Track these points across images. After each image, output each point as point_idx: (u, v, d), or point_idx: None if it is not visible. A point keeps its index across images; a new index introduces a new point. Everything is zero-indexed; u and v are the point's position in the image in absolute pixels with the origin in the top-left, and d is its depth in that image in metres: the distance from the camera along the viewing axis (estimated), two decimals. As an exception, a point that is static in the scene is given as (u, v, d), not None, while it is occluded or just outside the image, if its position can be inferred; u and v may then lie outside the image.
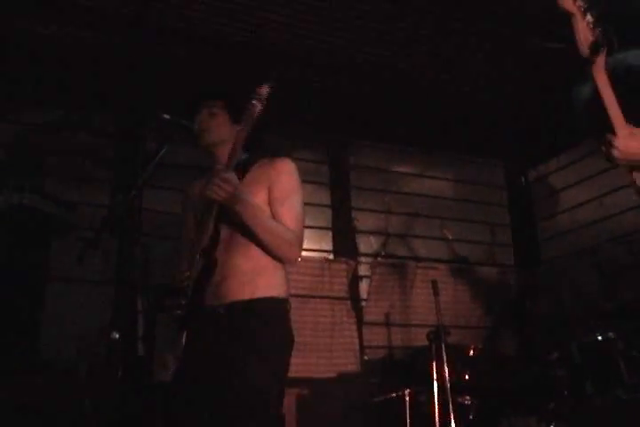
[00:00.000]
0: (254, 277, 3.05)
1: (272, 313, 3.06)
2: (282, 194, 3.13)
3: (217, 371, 2.93)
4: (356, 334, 6.19)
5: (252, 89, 3.06)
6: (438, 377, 4.79)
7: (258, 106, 3.01)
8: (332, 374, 5.98)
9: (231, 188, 2.88)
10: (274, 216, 3.10)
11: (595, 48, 2.71)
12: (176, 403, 3.00)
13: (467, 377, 5.07)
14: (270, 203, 3.13)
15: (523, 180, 7.44)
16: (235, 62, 5.91)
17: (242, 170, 3.19)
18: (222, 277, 3.03)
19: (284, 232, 3.05)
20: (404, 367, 5.76)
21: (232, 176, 2.92)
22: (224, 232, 3.06)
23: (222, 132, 3.23)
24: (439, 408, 4.73)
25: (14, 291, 4.55)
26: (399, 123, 6.80)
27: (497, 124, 7.08)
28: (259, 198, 3.10)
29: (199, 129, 3.17)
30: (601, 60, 2.73)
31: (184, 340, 3.12)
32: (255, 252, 3.06)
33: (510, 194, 7.53)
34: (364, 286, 6.50)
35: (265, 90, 3.05)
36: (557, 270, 6.72)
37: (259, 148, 3.32)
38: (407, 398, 5.03)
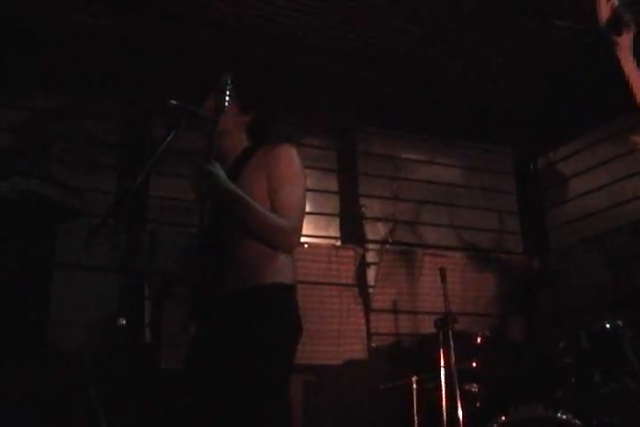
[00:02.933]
0: (259, 263, 3.04)
1: (278, 299, 3.06)
2: (279, 181, 3.08)
3: (224, 357, 2.96)
4: (363, 321, 6.18)
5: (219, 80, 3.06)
6: (446, 365, 4.79)
7: (220, 97, 3.00)
8: (339, 361, 5.97)
9: (212, 181, 2.87)
10: (272, 204, 3.07)
11: (613, 25, 2.66)
12: (189, 388, 3.03)
13: (474, 365, 5.06)
14: (269, 190, 3.09)
15: (531, 167, 7.41)
16: (244, 48, 5.88)
17: (245, 157, 3.20)
18: (227, 264, 3.04)
19: (276, 221, 3.00)
20: (411, 355, 5.75)
21: (212, 169, 2.89)
22: (224, 222, 3.06)
23: (230, 120, 3.20)
24: (446, 396, 4.73)
25: (21, 277, 4.56)
26: (407, 109, 6.79)
27: (506, 110, 7.06)
28: (259, 186, 3.08)
29: (206, 116, 3.14)
30: (625, 42, 2.67)
31: (193, 328, 3.17)
32: (255, 241, 3.04)
33: (519, 181, 7.48)
34: (371, 273, 6.47)
35: (224, 80, 3.02)
36: (566, 258, 6.69)
37: (264, 135, 3.31)
38: (414, 386, 5.04)
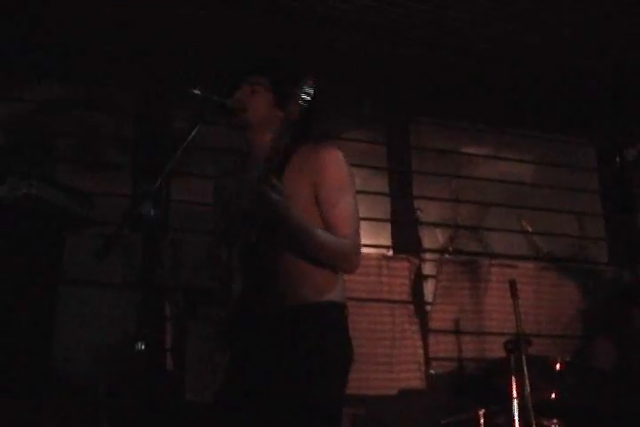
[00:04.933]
0: (305, 279, 3.06)
1: (328, 320, 3.08)
2: (331, 193, 3.11)
3: (264, 388, 2.96)
4: (420, 343, 6.15)
5: (295, 79, 2.99)
6: (518, 395, 4.71)
7: (301, 105, 2.91)
8: (393, 391, 5.95)
9: (273, 208, 2.84)
10: (324, 219, 3.09)
11: None
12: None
13: (553, 396, 5.00)
14: (319, 203, 3.11)
15: (618, 160, 7.35)
16: (282, 30, 5.85)
17: (282, 158, 3.17)
18: (268, 281, 3.05)
19: (338, 244, 3.05)
20: (477, 383, 5.69)
21: (274, 188, 2.84)
22: (268, 240, 3.03)
23: (262, 114, 3.21)
24: (520, 433, 4.68)
25: (22, 296, 4.57)
26: (468, 96, 6.71)
27: (586, 93, 6.96)
28: (301, 194, 3.08)
29: (236, 107, 3.15)
30: None
31: (227, 354, 3.17)
32: (304, 254, 3.06)
33: (603, 177, 7.42)
34: (429, 288, 6.46)
35: (308, 88, 2.93)
36: (661, 268, 6.64)
37: (303, 132, 3.30)
38: (482, 420, 4.96)
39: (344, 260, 3.10)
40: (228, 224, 3.25)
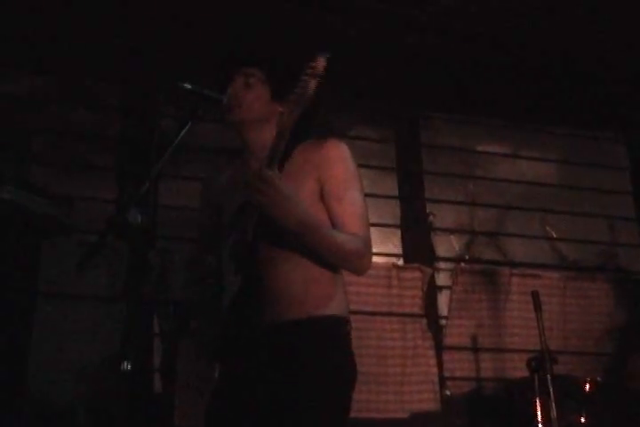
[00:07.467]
0: (305, 291, 3.05)
1: (329, 337, 3.07)
2: (337, 188, 3.12)
3: (259, 410, 2.95)
4: (434, 361, 6.11)
5: (303, 61, 2.95)
6: (544, 419, 4.72)
7: (312, 83, 2.85)
8: (404, 415, 5.89)
9: (275, 193, 2.76)
10: (330, 216, 3.09)
11: None
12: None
13: (582, 420, 4.99)
14: (324, 199, 3.11)
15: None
16: (281, 17, 5.84)
17: (282, 155, 3.15)
18: (265, 293, 3.03)
19: (349, 242, 3.01)
20: (497, 406, 5.70)
21: (276, 178, 2.79)
22: (265, 239, 3.03)
23: (259, 109, 3.21)
24: (547, 461, 4.67)
25: (-5, 310, 4.56)
26: (485, 89, 6.70)
27: (616, 85, 6.93)
28: (305, 192, 3.07)
29: (230, 103, 3.14)
30: None
31: (217, 373, 3.15)
32: (304, 261, 3.05)
33: (636, 177, 7.40)
34: (443, 300, 6.43)
35: (321, 63, 2.88)
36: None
37: (304, 128, 3.27)
38: (503, 447, 4.98)
39: (357, 260, 3.06)
40: (222, 224, 3.27)
